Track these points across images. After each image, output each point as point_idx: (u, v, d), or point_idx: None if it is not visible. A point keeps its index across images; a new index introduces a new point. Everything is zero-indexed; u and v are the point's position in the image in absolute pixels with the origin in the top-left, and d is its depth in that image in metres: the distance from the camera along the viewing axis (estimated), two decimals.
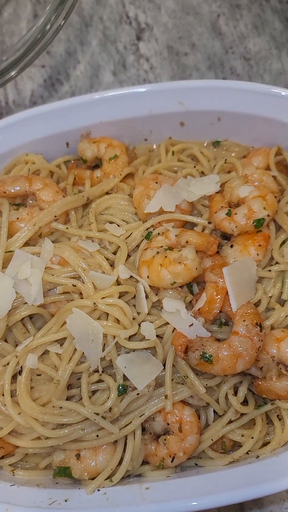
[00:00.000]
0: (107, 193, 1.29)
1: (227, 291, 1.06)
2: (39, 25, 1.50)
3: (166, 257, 1.07)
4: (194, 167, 1.30)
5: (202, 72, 1.73)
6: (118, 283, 1.11)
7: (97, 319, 1.07)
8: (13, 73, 1.52)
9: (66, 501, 1.00)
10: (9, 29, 1.83)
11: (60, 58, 1.80)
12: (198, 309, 1.07)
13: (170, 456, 1.06)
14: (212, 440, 1.08)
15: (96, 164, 1.37)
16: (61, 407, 1.04)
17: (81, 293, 1.11)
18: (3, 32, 1.82)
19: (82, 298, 1.10)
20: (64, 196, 1.22)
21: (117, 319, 1.07)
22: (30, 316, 1.14)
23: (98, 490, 1.03)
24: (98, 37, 1.81)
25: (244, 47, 1.75)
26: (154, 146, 1.40)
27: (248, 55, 1.74)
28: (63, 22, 1.51)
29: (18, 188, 1.20)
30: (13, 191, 1.19)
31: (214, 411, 1.10)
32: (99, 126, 1.34)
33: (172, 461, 1.06)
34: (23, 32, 1.81)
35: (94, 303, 1.06)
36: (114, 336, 1.06)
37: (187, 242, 1.11)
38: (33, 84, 1.77)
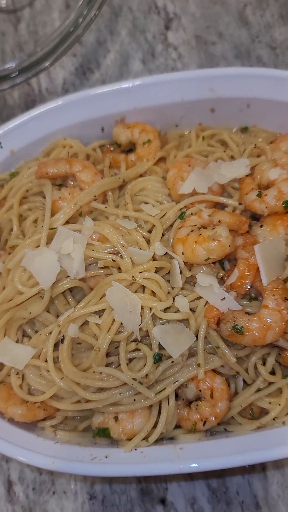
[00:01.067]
0: (141, 175, 1.36)
1: (257, 268, 1.13)
2: (73, 17, 1.57)
3: (200, 234, 1.14)
4: (224, 151, 1.36)
5: (229, 61, 1.78)
6: (154, 259, 1.18)
7: (135, 292, 1.15)
8: (47, 63, 1.59)
9: (106, 457, 1.09)
10: (42, 20, 1.89)
11: (91, 47, 1.86)
12: (230, 284, 1.13)
13: (201, 420, 1.13)
14: (241, 406, 1.15)
15: (130, 148, 1.44)
16: (101, 373, 1.12)
17: (119, 268, 1.18)
18: (36, 22, 1.89)
19: (120, 273, 1.17)
20: (102, 178, 1.29)
21: (153, 292, 1.15)
22: (70, 290, 1.22)
23: (135, 450, 1.11)
24: (127, 27, 1.87)
25: (270, 36, 1.80)
26: (186, 132, 1.46)
27: (274, 44, 1.79)
28: (96, 13, 1.57)
29: (60, 169, 1.27)
30: (56, 171, 1.26)
31: (243, 380, 1.17)
32: (133, 112, 1.41)
33: (203, 425, 1.13)
34: (55, 22, 1.88)
35: (133, 277, 1.13)
36: (150, 308, 1.13)
37: (219, 221, 1.17)
38: (65, 72, 1.84)
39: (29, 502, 1.34)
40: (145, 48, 1.84)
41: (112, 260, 1.17)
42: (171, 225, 1.24)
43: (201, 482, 1.32)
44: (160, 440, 1.16)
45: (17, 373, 1.19)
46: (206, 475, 1.31)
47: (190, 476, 1.31)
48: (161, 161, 1.40)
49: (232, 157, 1.35)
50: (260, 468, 1.31)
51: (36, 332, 1.22)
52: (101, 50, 1.85)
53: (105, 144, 1.45)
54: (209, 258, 1.13)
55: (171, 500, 1.31)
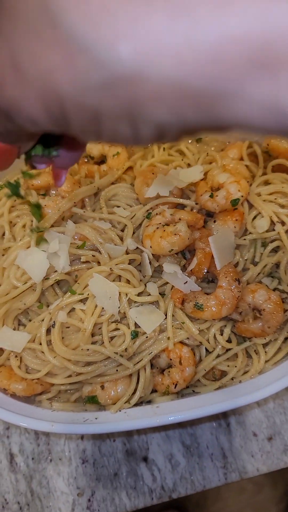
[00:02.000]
0: (112, 183, 1.58)
1: (212, 255, 1.37)
2: None
3: (164, 230, 1.37)
4: (182, 160, 1.60)
5: None
6: (127, 253, 1.40)
7: (113, 281, 1.37)
8: None
9: (96, 418, 1.31)
10: None
11: None
12: (191, 270, 1.37)
13: (173, 383, 1.36)
14: (205, 370, 1.39)
15: (102, 160, 1.66)
16: (88, 349, 1.34)
17: (98, 262, 1.40)
18: None
19: (99, 265, 1.39)
20: (79, 187, 1.51)
21: (128, 280, 1.37)
22: (58, 282, 1.43)
23: (120, 411, 1.33)
24: None
25: None
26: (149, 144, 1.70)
27: None
28: None
29: (43, 181, 1.48)
30: (39, 182, 1.48)
31: (206, 349, 1.41)
32: None
33: (175, 388, 1.36)
34: None
35: (110, 268, 1.35)
36: (126, 294, 1.36)
37: (180, 219, 1.41)
38: None
39: (29, 470, 1.55)
40: None
41: (92, 255, 1.39)
42: (140, 224, 1.47)
43: (176, 440, 1.55)
44: (140, 403, 1.39)
45: (16, 356, 1.39)
46: (180, 434, 1.55)
47: (167, 436, 1.55)
48: (129, 170, 1.63)
49: (188, 165, 1.60)
50: (225, 424, 1.56)
51: (30, 320, 1.43)
52: None
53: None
54: (172, 250, 1.36)
55: (152, 458, 1.54)
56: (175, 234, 1.35)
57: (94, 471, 1.54)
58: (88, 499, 1.52)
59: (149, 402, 1.41)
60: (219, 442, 1.55)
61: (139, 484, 1.53)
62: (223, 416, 1.57)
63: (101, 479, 1.53)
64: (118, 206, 1.51)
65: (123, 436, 1.56)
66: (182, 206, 1.51)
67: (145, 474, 1.53)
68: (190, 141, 1.70)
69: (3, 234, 1.52)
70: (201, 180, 1.50)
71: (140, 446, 1.55)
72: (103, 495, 1.52)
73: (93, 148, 1.62)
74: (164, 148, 1.65)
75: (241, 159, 1.60)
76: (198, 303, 1.33)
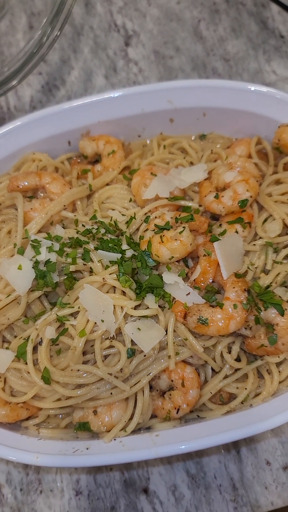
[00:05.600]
0: (107, 184, 1.44)
1: (218, 263, 1.22)
2: (37, 37, 1.65)
3: (164, 235, 1.23)
4: (184, 158, 1.46)
5: (187, 73, 1.89)
6: (122, 260, 1.25)
7: (106, 292, 1.22)
8: (14, 82, 1.66)
9: (87, 449, 1.16)
10: (7, 40, 1.97)
11: (56, 65, 1.95)
12: (194, 280, 1.22)
13: (175, 408, 1.21)
14: (211, 393, 1.24)
15: (96, 159, 1.52)
16: (78, 370, 1.19)
17: (91, 271, 1.26)
18: (1, 43, 1.97)
19: (91, 275, 1.25)
20: (70, 188, 1.37)
21: (123, 291, 1.23)
22: (46, 294, 1.29)
23: (115, 440, 1.18)
24: (89, 44, 1.97)
25: (223, 49, 1.92)
26: (148, 141, 1.56)
27: (228, 56, 1.91)
28: (58, 33, 1.66)
29: (30, 182, 1.35)
30: (26, 184, 1.34)
31: (212, 369, 1.26)
32: (97, 125, 1.50)
33: (177, 413, 1.21)
34: (20, 43, 1.97)
35: (103, 278, 1.21)
36: (122, 307, 1.21)
37: (181, 222, 1.26)
38: (32, 90, 1.92)
39: (17, 503, 1.39)
40: (107, 64, 1.93)
41: (84, 264, 1.24)
42: (138, 229, 1.33)
43: (180, 469, 1.39)
44: (138, 430, 1.24)
45: None
46: (184, 462, 1.39)
47: (170, 464, 1.39)
48: (126, 170, 1.49)
49: (191, 163, 1.45)
50: (234, 451, 1.40)
51: (15, 337, 1.29)
52: (65, 67, 1.94)
53: (72, 156, 1.53)
54: (173, 257, 1.22)
55: (154, 489, 1.38)
56: (176, 240, 1.20)
57: (89, 504, 1.38)
58: None
59: (148, 428, 1.25)
60: (228, 472, 1.39)
61: None
62: (233, 442, 1.40)
63: None
64: (113, 209, 1.36)
65: (121, 464, 1.40)
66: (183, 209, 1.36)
67: (145, 508, 1.36)
68: (193, 138, 1.55)
69: None
70: (205, 179, 1.36)
71: (140, 475, 1.39)
72: None
73: (87, 147, 1.48)
74: (164, 146, 1.51)
75: (250, 156, 1.45)
76: (202, 317, 1.18)
